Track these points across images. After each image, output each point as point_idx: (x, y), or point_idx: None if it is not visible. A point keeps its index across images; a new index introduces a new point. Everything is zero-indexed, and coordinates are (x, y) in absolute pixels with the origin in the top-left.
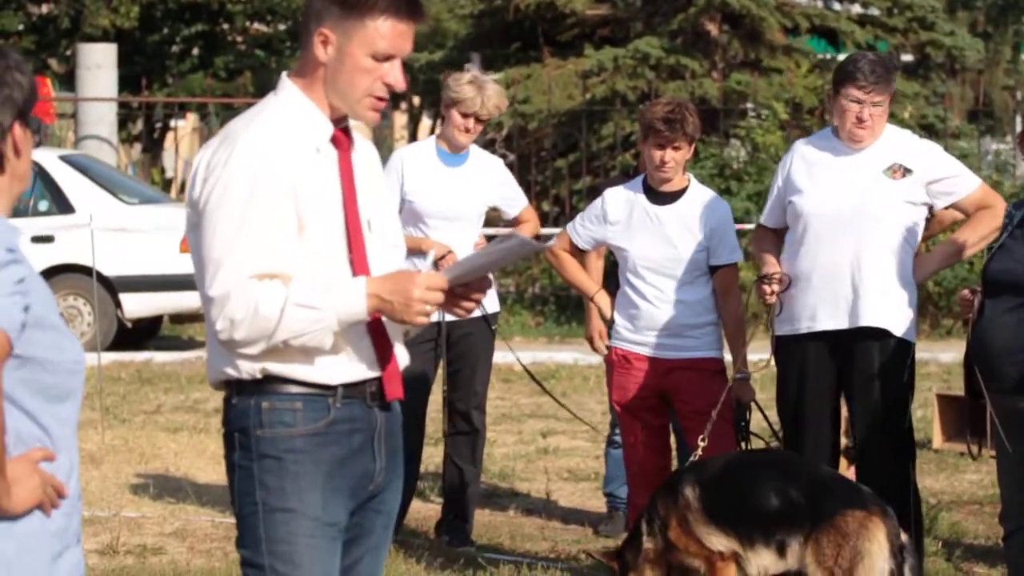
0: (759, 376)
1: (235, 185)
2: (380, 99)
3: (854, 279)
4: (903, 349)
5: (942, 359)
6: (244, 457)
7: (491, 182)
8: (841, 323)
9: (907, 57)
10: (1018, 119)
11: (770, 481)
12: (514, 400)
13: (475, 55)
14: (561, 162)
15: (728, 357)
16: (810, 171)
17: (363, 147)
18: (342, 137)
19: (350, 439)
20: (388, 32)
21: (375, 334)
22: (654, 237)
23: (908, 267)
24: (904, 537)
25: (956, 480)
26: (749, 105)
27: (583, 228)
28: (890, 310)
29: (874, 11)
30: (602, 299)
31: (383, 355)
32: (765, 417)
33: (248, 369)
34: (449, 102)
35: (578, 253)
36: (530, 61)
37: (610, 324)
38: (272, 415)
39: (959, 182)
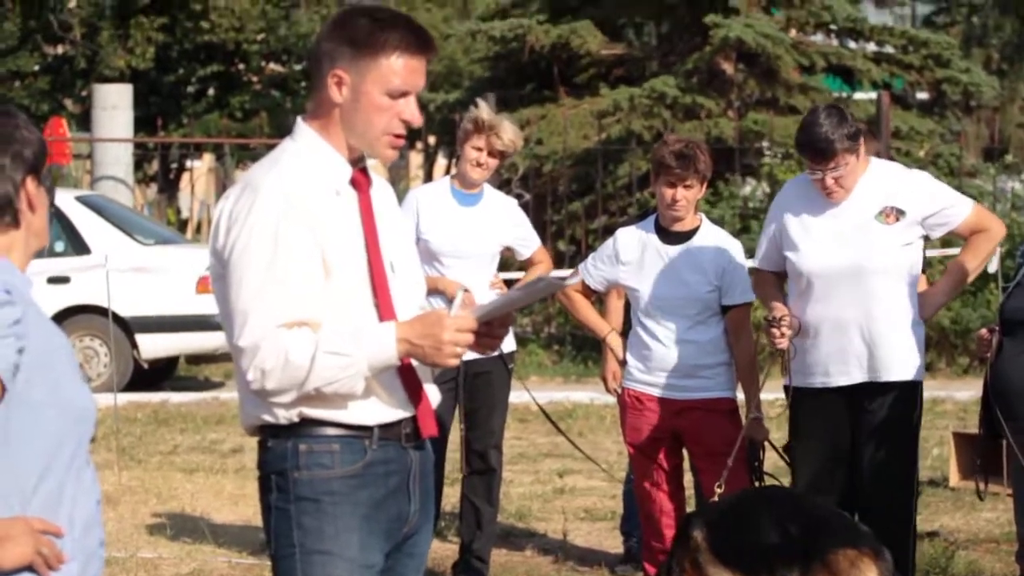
0: (773, 416)
1: (259, 234)
2: (398, 136)
3: (863, 333)
4: (912, 390)
5: (958, 397)
6: (281, 499)
7: (505, 223)
8: (855, 378)
9: (923, 95)
10: None
11: (770, 517)
12: (530, 440)
13: (491, 95)
14: (576, 203)
15: (741, 397)
16: (803, 224)
17: (380, 186)
18: (361, 178)
19: (386, 480)
20: (401, 69)
21: (405, 374)
22: (666, 277)
23: (913, 308)
24: None
25: (972, 518)
26: (765, 144)
27: (595, 268)
28: (904, 358)
29: (889, 49)
30: (614, 340)
31: (414, 394)
32: (782, 456)
33: (284, 414)
34: (463, 137)
35: (591, 293)
36: (545, 101)
37: (623, 364)
38: (309, 457)
39: (953, 212)
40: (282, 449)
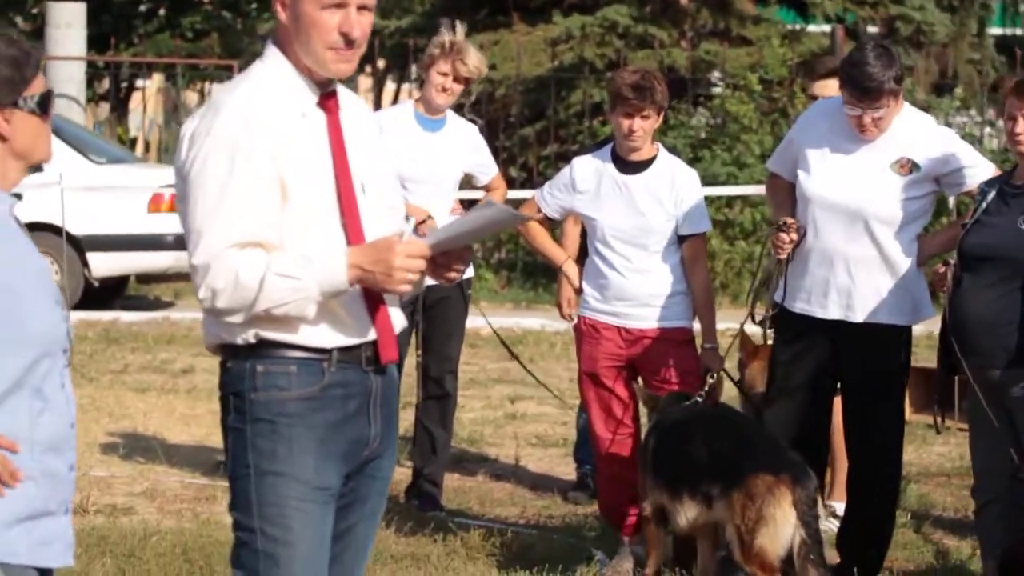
0: (726, 347)
1: (216, 154)
2: (342, 50)
3: (849, 271)
4: (895, 335)
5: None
6: (238, 420)
7: (466, 148)
8: (831, 314)
9: (874, 30)
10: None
11: (705, 434)
12: (481, 365)
13: (444, 20)
14: (528, 129)
15: (697, 326)
16: (822, 150)
17: (356, 109)
18: (329, 101)
19: (345, 404)
20: None
21: (369, 298)
22: (623, 206)
23: (908, 257)
24: (819, 507)
25: (924, 452)
26: (717, 74)
27: (551, 197)
28: (889, 303)
29: None
30: (570, 268)
31: (377, 319)
32: (737, 385)
33: (241, 334)
34: (428, 62)
35: (548, 221)
36: (499, 27)
37: (579, 293)
38: (266, 379)
39: (971, 173)
40: (240, 370)
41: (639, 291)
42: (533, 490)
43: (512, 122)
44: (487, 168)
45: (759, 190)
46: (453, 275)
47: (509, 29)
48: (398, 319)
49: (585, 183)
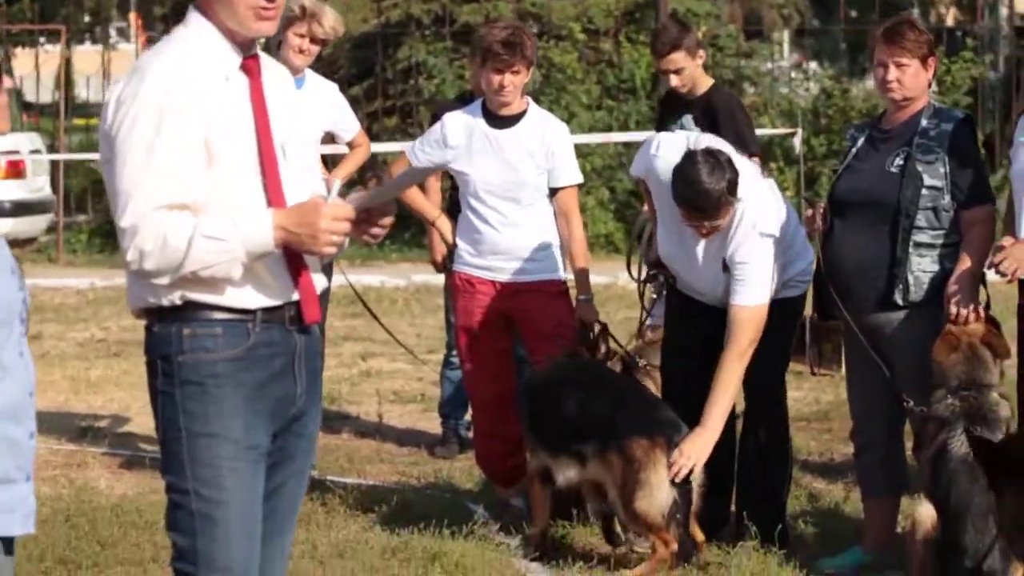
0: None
1: (143, 117)
2: (263, 8)
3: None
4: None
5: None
6: (167, 384)
7: (327, 106)
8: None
9: None
10: (786, 37)
11: (577, 394)
12: (327, 322)
13: None
14: (356, 87)
15: (571, 278)
16: (670, 222)
17: (276, 72)
18: (252, 64)
19: (271, 363)
20: None
21: (291, 259)
22: (495, 161)
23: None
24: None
25: None
26: (533, 27)
27: (423, 153)
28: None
29: None
30: (443, 224)
31: (300, 279)
32: (613, 339)
33: (168, 296)
34: (285, 24)
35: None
36: None
37: (452, 248)
38: (193, 341)
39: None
40: (166, 333)
41: (513, 244)
42: (400, 446)
43: (340, 79)
44: (349, 126)
45: (589, 139)
46: (377, 232)
47: None
48: (319, 280)
49: (456, 139)
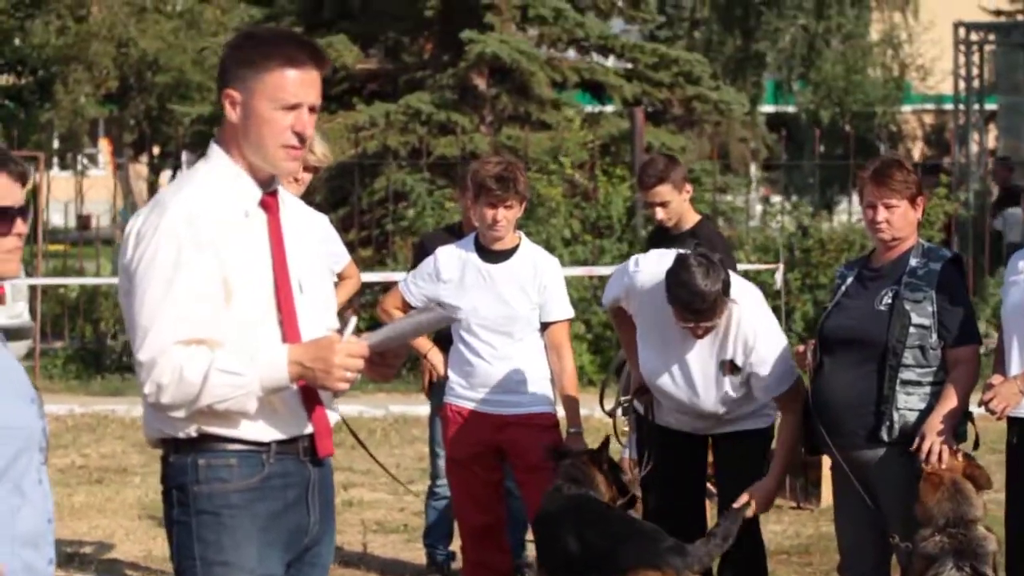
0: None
1: (163, 252)
2: (293, 148)
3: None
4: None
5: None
6: (182, 513)
7: (318, 238)
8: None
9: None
10: (753, 168)
11: (575, 527)
12: None
13: None
14: (332, 215)
15: (561, 412)
16: (655, 333)
17: (295, 208)
18: (271, 200)
19: (284, 494)
20: (287, 82)
21: (305, 393)
22: (487, 295)
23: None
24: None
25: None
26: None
27: (415, 286)
28: (746, 416)
29: (640, 66)
30: (435, 356)
31: (313, 413)
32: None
33: (184, 429)
34: None
35: (409, 310)
36: None
37: (443, 380)
38: (208, 471)
39: (759, 369)
40: (182, 464)
41: (504, 378)
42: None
43: (318, 208)
44: (339, 256)
45: (565, 272)
46: (389, 372)
47: None
48: (332, 414)
49: (449, 272)
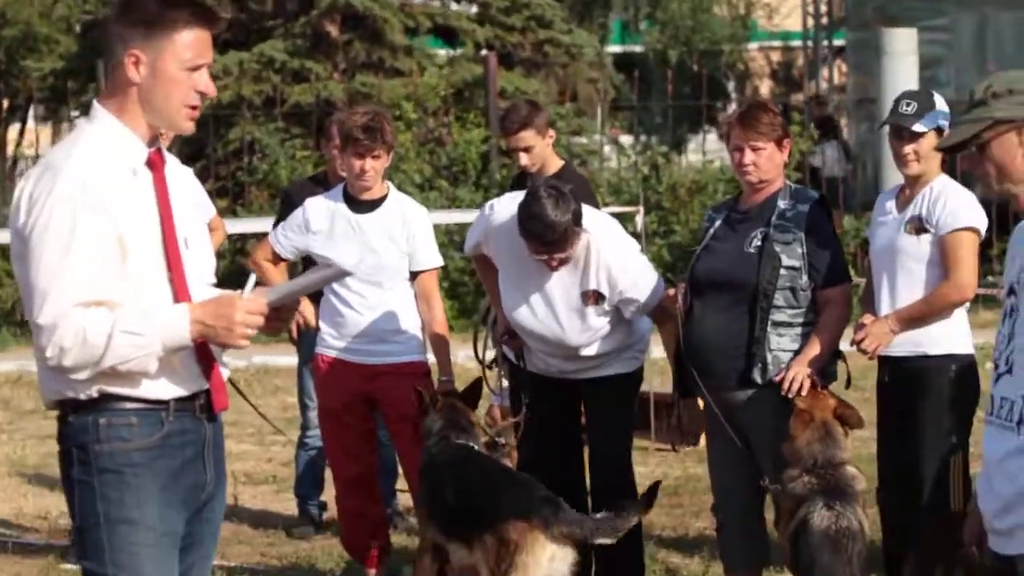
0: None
1: (58, 216)
2: (194, 107)
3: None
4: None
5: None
6: (83, 472)
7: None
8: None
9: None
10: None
11: (458, 478)
12: None
13: (100, 62)
14: (188, 167)
15: (432, 360)
16: (515, 271)
17: (173, 166)
18: (156, 158)
19: (183, 451)
20: (193, 42)
21: (200, 350)
22: (357, 245)
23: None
24: (566, 548)
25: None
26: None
27: (285, 238)
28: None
29: (492, 10)
30: (306, 307)
31: (208, 369)
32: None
33: (85, 390)
34: None
35: (279, 261)
36: None
37: (315, 331)
38: (109, 431)
39: (631, 293)
40: (82, 423)
41: (375, 327)
42: (255, 528)
43: None
44: (206, 208)
45: None
46: (280, 327)
47: None
48: (223, 370)
49: (318, 223)
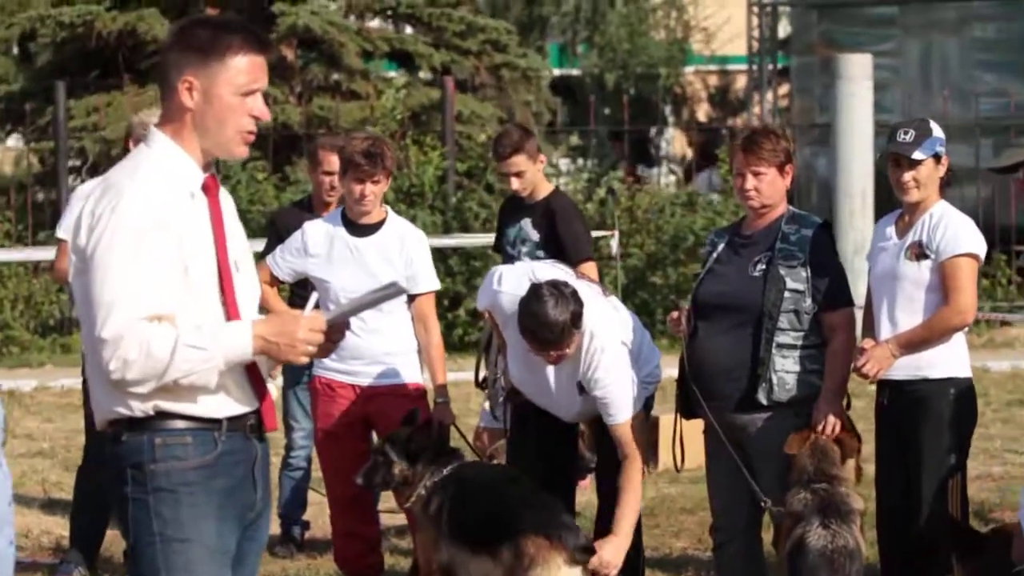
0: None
1: (124, 231)
2: (250, 133)
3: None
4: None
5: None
6: (138, 491)
7: None
8: None
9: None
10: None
11: (483, 496)
12: None
13: (60, 83)
14: None
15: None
16: (520, 352)
17: (223, 190)
18: (211, 182)
19: (235, 470)
20: (247, 67)
21: (251, 370)
22: (355, 269)
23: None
24: (577, 570)
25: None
26: (322, 132)
27: (283, 261)
28: None
29: (447, 35)
30: None
31: (259, 389)
32: (463, 437)
33: (140, 407)
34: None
35: (277, 283)
36: (110, 88)
37: None
38: (165, 450)
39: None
40: (137, 443)
41: (373, 350)
42: None
43: None
44: None
45: None
46: (332, 348)
47: (120, 91)
48: (273, 391)
49: (317, 247)
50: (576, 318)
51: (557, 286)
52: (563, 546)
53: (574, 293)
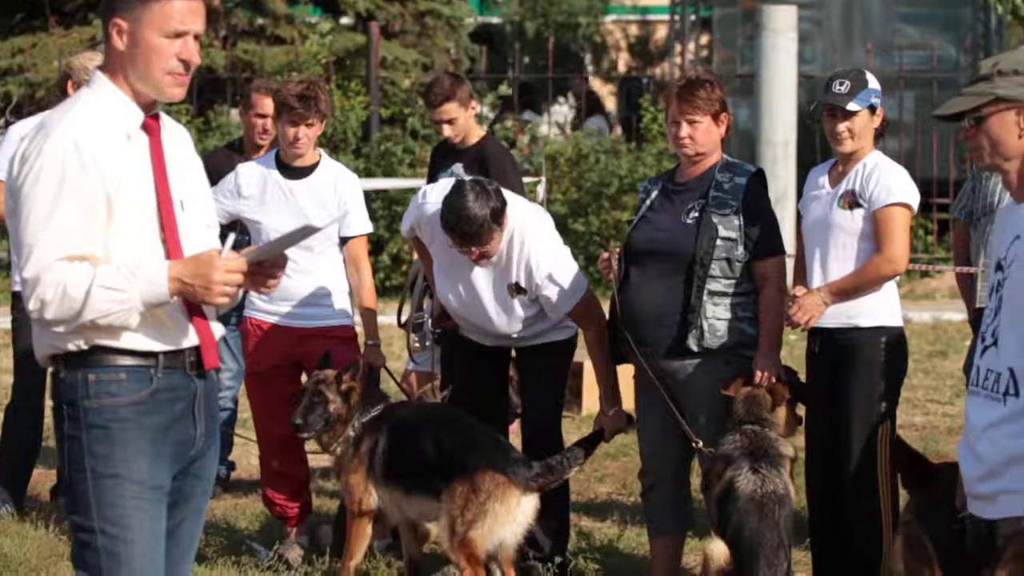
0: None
1: (46, 173)
2: (179, 75)
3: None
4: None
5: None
6: (73, 428)
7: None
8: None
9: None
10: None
11: (430, 434)
12: None
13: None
14: None
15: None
16: (446, 262)
17: (175, 131)
18: (152, 123)
19: (172, 407)
20: (175, 11)
21: (190, 306)
22: (288, 211)
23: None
24: (534, 496)
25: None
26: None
27: (217, 203)
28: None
29: None
30: None
31: (199, 326)
32: (392, 378)
33: (74, 341)
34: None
35: None
36: (36, 30)
37: (245, 294)
38: (98, 386)
39: (547, 292)
40: (72, 380)
41: (304, 291)
42: None
43: None
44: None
45: None
46: (273, 283)
47: (46, 32)
48: (216, 327)
49: (250, 189)
50: (496, 213)
51: (480, 183)
52: (519, 481)
53: (497, 191)
